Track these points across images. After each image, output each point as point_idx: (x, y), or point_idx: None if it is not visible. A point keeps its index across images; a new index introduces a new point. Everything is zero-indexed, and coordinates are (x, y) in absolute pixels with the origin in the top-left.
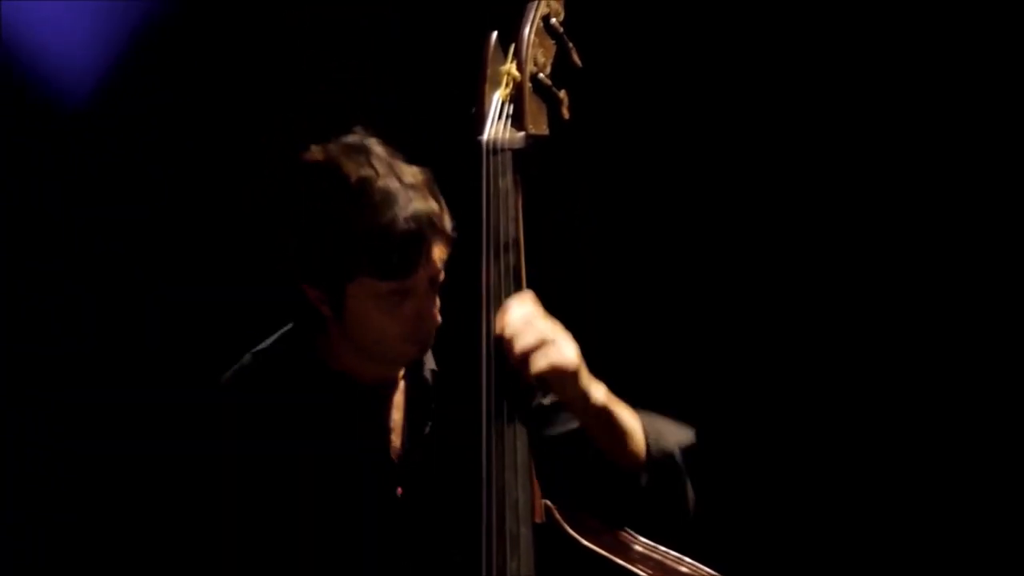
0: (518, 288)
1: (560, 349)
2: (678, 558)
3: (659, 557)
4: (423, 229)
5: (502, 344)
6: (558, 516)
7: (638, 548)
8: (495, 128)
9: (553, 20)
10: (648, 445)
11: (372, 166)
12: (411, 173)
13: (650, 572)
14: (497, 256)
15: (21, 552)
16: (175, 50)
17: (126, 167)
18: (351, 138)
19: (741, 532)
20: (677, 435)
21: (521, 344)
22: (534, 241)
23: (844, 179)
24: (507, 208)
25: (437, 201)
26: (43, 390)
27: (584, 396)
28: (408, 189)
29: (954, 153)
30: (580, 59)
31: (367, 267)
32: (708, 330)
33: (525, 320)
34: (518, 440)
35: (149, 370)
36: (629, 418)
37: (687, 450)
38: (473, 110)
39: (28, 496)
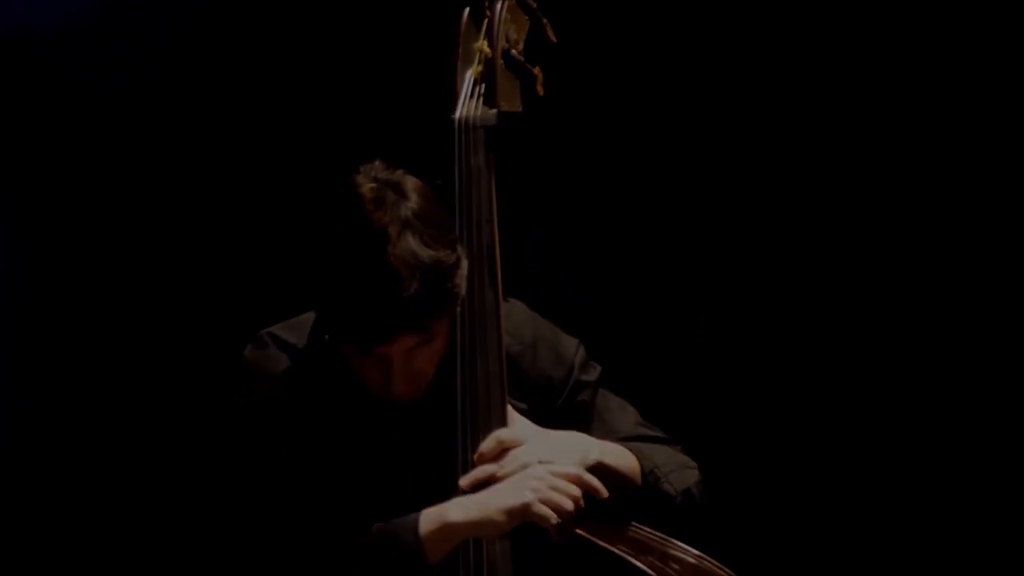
0: (492, 266)
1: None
2: (683, 547)
3: (662, 547)
4: (391, 319)
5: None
6: None
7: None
8: (467, 106)
9: None
10: (647, 485)
11: (387, 232)
12: (433, 239)
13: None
14: (471, 234)
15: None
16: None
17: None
18: (390, 175)
19: (741, 532)
20: (680, 478)
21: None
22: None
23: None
24: (480, 186)
25: (444, 275)
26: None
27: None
28: (412, 265)
29: (946, 152)
30: (555, 35)
31: (330, 324)
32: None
33: (501, 457)
34: None
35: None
36: (626, 465)
37: (691, 490)
38: (446, 88)
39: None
